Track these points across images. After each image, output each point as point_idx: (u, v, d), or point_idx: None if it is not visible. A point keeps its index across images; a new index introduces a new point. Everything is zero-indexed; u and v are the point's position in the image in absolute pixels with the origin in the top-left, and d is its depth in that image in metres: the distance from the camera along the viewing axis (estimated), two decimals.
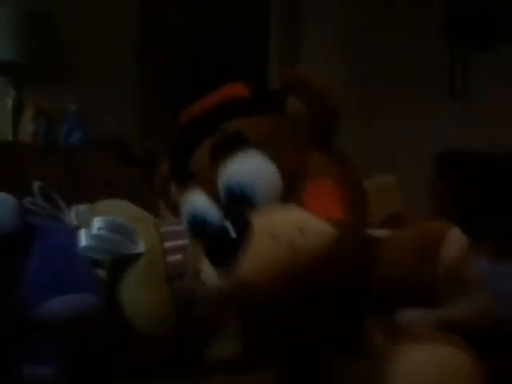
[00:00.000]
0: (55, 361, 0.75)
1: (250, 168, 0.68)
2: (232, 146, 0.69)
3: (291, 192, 0.68)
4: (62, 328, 0.73)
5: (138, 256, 0.83)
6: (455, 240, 0.71)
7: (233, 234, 0.66)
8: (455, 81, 3.14)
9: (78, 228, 0.84)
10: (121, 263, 0.83)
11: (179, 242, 0.83)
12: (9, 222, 0.76)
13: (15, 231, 0.76)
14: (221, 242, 0.66)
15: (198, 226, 0.71)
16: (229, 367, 0.84)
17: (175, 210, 0.79)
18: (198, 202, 0.71)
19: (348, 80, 2.94)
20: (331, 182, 0.69)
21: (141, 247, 0.83)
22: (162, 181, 0.83)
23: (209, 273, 0.68)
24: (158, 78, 3.54)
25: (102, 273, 0.84)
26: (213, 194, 0.69)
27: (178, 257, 0.83)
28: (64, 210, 0.88)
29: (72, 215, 0.91)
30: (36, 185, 0.86)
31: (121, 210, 0.88)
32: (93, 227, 0.81)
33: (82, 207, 0.92)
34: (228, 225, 0.67)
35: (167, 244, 0.83)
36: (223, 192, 0.69)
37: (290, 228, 0.66)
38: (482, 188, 2.48)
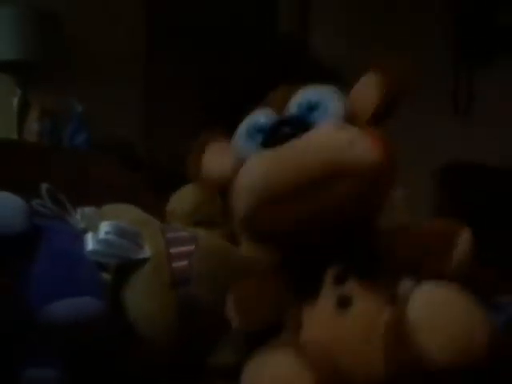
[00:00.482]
0: (58, 364, 0.75)
1: (325, 89, 0.76)
2: (311, 78, 0.77)
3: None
4: (65, 331, 0.73)
5: (143, 261, 0.83)
6: (467, 240, 0.74)
7: (296, 125, 0.72)
8: (459, 95, 3.15)
9: (84, 231, 0.85)
10: (126, 268, 0.83)
11: (185, 248, 0.84)
12: (18, 223, 0.76)
13: (23, 233, 0.76)
14: (281, 130, 0.72)
15: (259, 128, 0.76)
16: (231, 374, 0.84)
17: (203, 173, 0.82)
18: (263, 112, 0.77)
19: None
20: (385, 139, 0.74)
21: (147, 252, 0.83)
22: (198, 147, 0.85)
23: (260, 156, 0.72)
24: (164, 80, 3.54)
25: (107, 277, 0.85)
26: (281, 108, 0.76)
27: (183, 263, 0.83)
28: (71, 212, 0.88)
29: (78, 217, 0.91)
30: (44, 187, 0.87)
31: (127, 215, 0.88)
32: (100, 231, 0.81)
33: (88, 210, 0.92)
34: (292, 118, 0.74)
35: (173, 250, 0.83)
36: (295, 102, 0.75)
37: (353, 129, 0.72)
38: (485, 201, 2.48)
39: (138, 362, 0.82)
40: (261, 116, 0.77)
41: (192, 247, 0.84)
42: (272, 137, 0.73)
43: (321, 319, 0.74)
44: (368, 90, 0.76)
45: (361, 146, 0.70)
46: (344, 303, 0.72)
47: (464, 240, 0.74)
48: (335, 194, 0.69)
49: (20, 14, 2.67)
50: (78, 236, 0.83)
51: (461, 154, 2.74)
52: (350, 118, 0.74)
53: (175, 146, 3.75)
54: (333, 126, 0.72)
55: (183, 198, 0.93)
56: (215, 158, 0.82)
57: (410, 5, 3.16)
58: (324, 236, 0.73)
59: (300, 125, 0.73)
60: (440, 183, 2.58)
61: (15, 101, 2.67)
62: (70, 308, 0.73)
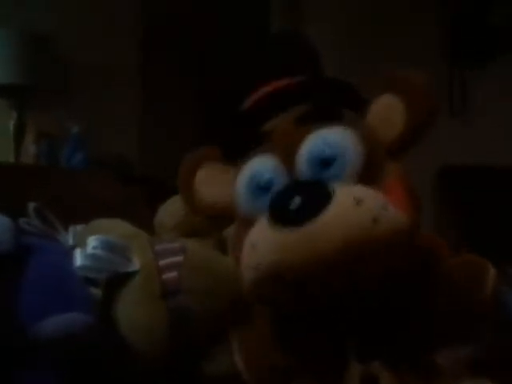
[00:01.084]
0: (52, 378, 0.75)
1: (338, 136, 0.66)
2: (323, 116, 0.68)
3: (368, 178, 0.66)
4: (55, 348, 0.73)
5: (133, 274, 0.83)
6: (494, 276, 0.70)
7: (309, 195, 0.63)
8: (455, 96, 3.15)
9: (73, 248, 0.85)
10: (116, 281, 0.83)
11: (174, 259, 0.84)
12: (4, 242, 0.77)
13: (10, 251, 0.76)
14: (291, 201, 0.63)
15: (264, 186, 0.67)
16: (224, 382, 0.84)
17: (195, 200, 0.76)
18: (267, 163, 0.68)
19: None
20: (404, 187, 0.67)
21: (136, 265, 0.83)
22: (189, 169, 0.79)
23: (268, 234, 0.63)
24: (160, 97, 3.55)
25: (97, 291, 0.85)
26: (287, 158, 0.67)
27: (172, 274, 0.83)
28: (59, 230, 0.88)
29: (69, 235, 0.91)
30: (31, 205, 0.87)
31: (115, 229, 0.89)
32: (87, 246, 0.82)
33: (79, 227, 0.93)
34: (303, 185, 0.64)
35: (162, 261, 0.84)
36: (306, 154, 0.66)
37: (375, 200, 0.63)
38: (483, 202, 2.48)
39: (131, 374, 0.82)
40: (265, 170, 0.68)
41: (181, 258, 0.84)
42: (281, 208, 0.64)
43: None
44: (391, 115, 0.68)
45: (386, 221, 0.62)
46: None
47: (492, 276, 0.69)
48: (361, 274, 0.63)
49: (14, 36, 2.68)
50: (67, 253, 0.83)
51: (457, 156, 2.73)
52: (370, 156, 0.66)
53: (172, 161, 3.76)
54: (352, 201, 0.62)
55: (171, 210, 0.93)
56: (210, 185, 0.77)
57: (404, 6, 3.17)
58: (344, 310, 0.66)
59: (313, 192, 0.64)
60: (437, 186, 2.58)
61: (11, 124, 2.68)
62: (59, 324, 0.74)
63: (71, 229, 0.92)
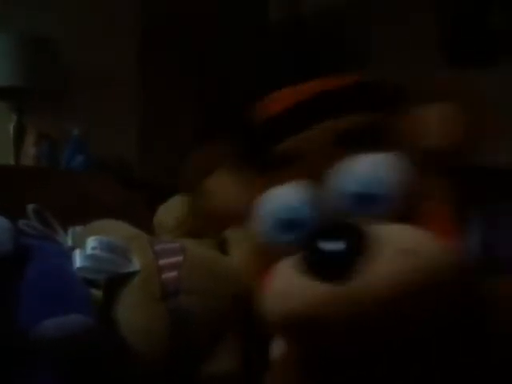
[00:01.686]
0: (52, 380, 0.75)
1: (385, 165, 0.58)
2: (368, 139, 0.59)
3: (410, 207, 0.59)
4: (55, 350, 0.73)
5: (132, 274, 0.83)
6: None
7: (349, 242, 0.54)
8: None
9: (72, 249, 0.85)
10: (116, 282, 0.83)
11: (173, 260, 0.84)
12: (3, 243, 0.76)
13: (9, 253, 0.76)
14: (328, 249, 0.55)
15: (292, 221, 0.59)
16: (228, 383, 0.84)
17: (203, 202, 0.70)
18: (297, 193, 0.59)
19: None
20: (448, 210, 0.61)
21: (135, 266, 0.83)
22: (199, 172, 0.72)
23: (301, 283, 0.56)
24: (160, 101, 3.55)
25: (97, 293, 0.85)
26: (321, 187, 0.58)
27: (172, 274, 0.83)
28: (59, 231, 0.88)
29: (69, 237, 0.91)
30: (30, 207, 0.87)
31: (115, 230, 0.88)
32: (87, 247, 0.81)
33: (79, 228, 0.93)
34: (342, 229, 0.56)
35: (161, 262, 0.83)
36: (345, 188, 0.58)
37: (421, 246, 0.56)
38: (483, 201, 2.47)
39: (131, 375, 0.82)
40: (294, 203, 0.59)
41: (181, 258, 0.84)
42: (317, 256, 0.55)
43: None
44: (443, 125, 0.61)
45: (435, 263, 0.55)
46: None
47: None
48: (406, 325, 0.56)
49: (13, 38, 2.68)
50: (66, 254, 0.83)
51: None
52: (414, 182, 0.59)
53: (172, 163, 3.76)
54: (398, 251, 0.54)
55: (171, 210, 0.93)
56: (221, 189, 0.70)
57: (403, 6, 3.17)
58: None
59: (353, 239, 0.55)
60: None
61: (11, 126, 2.68)
62: (59, 326, 0.73)
63: (70, 230, 0.92)
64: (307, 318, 0.56)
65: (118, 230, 0.89)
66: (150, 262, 0.83)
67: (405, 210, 0.58)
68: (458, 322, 0.60)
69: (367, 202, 0.57)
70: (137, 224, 0.93)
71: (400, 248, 0.55)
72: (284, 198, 0.60)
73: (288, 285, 0.57)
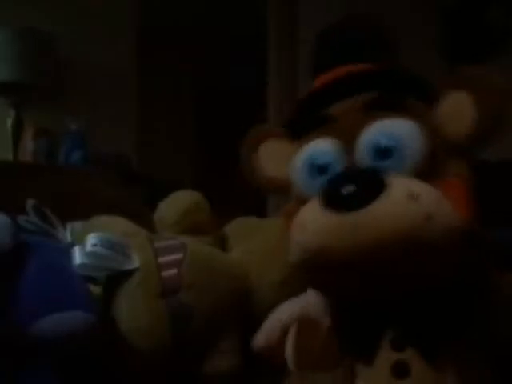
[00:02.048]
0: (51, 377, 0.75)
1: (400, 127, 0.65)
2: (391, 106, 0.66)
3: (428, 173, 0.64)
4: (55, 346, 0.72)
5: (132, 272, 0.82)
6: None
7: (363, 183, 0.61)
8: None
9: (72, 245, 0.84)
10: (116, 279, 0.83)
11: (173, 257, 0.83)
12: (3, 240, 0.76)
13: (8, 250, 0.75)
14: (344, 187, 0.61)
15: (321, 168, 0.67)
16: (226, 380, 0.83)
17: (255, 173, 0.76)
18: (328, 146, 0.67)
19: None
20: (465, 186, 0.65)
21: (135, 263, 0.83)
22: (253, 142, 0.78)
23: (318, 216, 0.62)
24: (158, 98, 3.55)
25: (97, 289, 0.84)
26: (348, 143, 0.66)
27: (172, 271, 0.82)
28: (58, 227, 0.88)
29: (67, 232, 0.91)
30: (30, 203, 0.87)
31: (114, 226, 0.88)
32: (87, 244, 0.81)
33: (77, 224, 0.92)
34: (359, 172, 0.63)
35: (161, 259, 0.83)
36: (366, 142, 0.65)
37: (431, 197, 0.61)
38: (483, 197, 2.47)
39: (132, 372, 0.82)
40: (324, 153, 0.67)
41: (181, 255, 0.83)
42: (333, 193, 0.62)
43: (377, 381, 0.65)
44: (461, 111, 0.66)
45: (440, 219, 0.61)
46: (401, 372, 0.64)
47: None
48: (406, 269, 0.61)
49: (12, 34, 2.67)
50: (66, 250, 0.83)
51: None
52: (432, 151, 0.64)
53: (170, 159, 3.75)
54: (406, 194, 0.60)
55: (171, 206, 0.93)
56: (271, 160, 0.75)
57: (400, 3, 3.17)
58: (386, 299, 0.65)
59: (367, 180, 0.62)
60: None
61: (9, 121, 2.67)
62: (59, 323, 0.73)
63: (69, 226, 0.92)
64: (317, 246, 0.62)
65: (117, 227, 0.88)
66: (149, 259, 0.83)
67: (422, 173, 0.64)
68: (456, 287, 0.65)
69: (387, 154, 0.64)
70: (136, 220, 0.93)
71: (408, 193, 0.60)
72: (316, 147, 0.69)
73: (306, 218, 0.64)
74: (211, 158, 4.02)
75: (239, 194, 3.39)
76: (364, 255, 0.60)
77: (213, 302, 0.82)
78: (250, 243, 0.91)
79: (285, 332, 0.74)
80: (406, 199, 0.60)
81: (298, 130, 0.72)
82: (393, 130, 0.65)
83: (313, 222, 0.63)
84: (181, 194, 0.95)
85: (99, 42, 2.99)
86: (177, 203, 0.93)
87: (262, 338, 0.77)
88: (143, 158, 3.11)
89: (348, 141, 0.66)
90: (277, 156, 0.75)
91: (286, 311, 0.78)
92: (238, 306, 0.85)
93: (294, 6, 3.17)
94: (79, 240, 0.84)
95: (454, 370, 0.64)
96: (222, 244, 0.92)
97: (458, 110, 0.67)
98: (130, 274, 0.82)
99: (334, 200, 0.62)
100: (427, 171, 0.64)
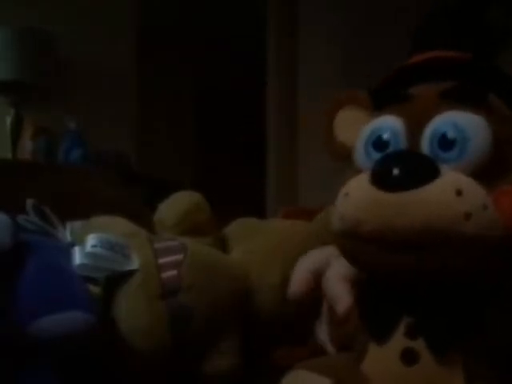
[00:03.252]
0: (50, 379, 0.75)
1: (469, 120, 0.64)
2: (467, 97, 0.65)
3: (487, 173, 0.63)
4: (54, 347, 0.72)
5: (132, 272, 0.82)
6: None
7: (414, 168, 0.62)
8: None
9: (71, 245, 0.84)
10: (115, 280, 0.83)
11: (173, 258, 0.83)
12: (2, 240, 0.76)
13: (7, 249, 0.75)
14: (395, 167, 0.62)
15: (381, 144, 0.67)
16: (226, 381, 0.83)
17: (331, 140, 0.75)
18: (394, 124, 0.67)
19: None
20: None
21: (135, 263, 0.82)
22: (332, 109, 0.77)
23: (362, 190, 0.63)
24: (158, 97, 3.55)
25: (96, 290, 0.84)
26: (415, 126, 0.65)
27: (172, 272, 0.82)
28: (58, 227, 0.87)
29: (67, 232, 0.91)
30: (29, 202, 0.86)
31: (114, 226, 0.88)
32: (86, 245, 0.81)
33: (76, 224, 0.92)
34: (414, 157, 0.63)
35: (161, 260, 0.83)
36: (432, 129, 0.64)
37: (477, 197, 0.61)
38: None
39: (132, 373, 0.82)
40: (388, 130, 0.67)
41: (181, 256, 0.83)
42: (382, 171, 0.63)
43: (385, 363, 0.66)
44: None
45: (479, 221, 0.60)
46: (409, 359, 0.64)
47: None
48: (433, 258, 0.61)
49: (12, 34, 2.67)
50: (65, 250, 0.83)
51: None
52: (496, 151, 0.63)
53: (170, 159, 3.76)
54: (454, 188, 0.60)
55: (171, 207, 0.93)
56: (346, 127, 0.75)
57: (401, 3, 3.17)
58: (411, 284, 0.65)
59: (419, 166, 0.62)
60: None
61: (8, 120, 2.67)
62: (59, 323, 0.73)
63: (68, 225, 0.92)
64: (355, 217, 0.63)
65: (117, 227, 0.88)
66: (149, 260, 0.83)
67: (480, 173, 0.63)
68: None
69: (448, 146, 0.63)
70: (136, 220, 0.92)
71: (455, 187, 0.61)
72: (384, 122, 0.68)
73: (352, 188, 0.65)
74: (211, 158, 4.02)
75: (239, 195, 3.39)
76: (397, 235, 0.61)
77: (213, 302, 0.82)
78: (250, 244, 0.91)
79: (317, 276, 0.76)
80: (452, 192, 0.60)
81: (379, 101, 0.71)
82: (460, 122, 0.64)
83: (356, 194, 0.64)
84: (181, 194, 0.94)
85: (99, 42, 2.99)
86: (177, 204, 0.93)
87: (294, 286, 0.79)
88: (143, 157, 3.11)
89: (417, 124, 0.66)
90: (352, 124, 0.74)
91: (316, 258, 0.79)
92: (238, 307, 0.85)
93: (293, 6, 3.16)
94: (79, 240, 0.84)
95: (462, 370, 0.64)
96: (223, 245, 0.92)
97: None
98: (129, 274, 0.82)
99: (381, 177, 0.63)
100: (485, 173, 0.63)
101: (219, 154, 4.04)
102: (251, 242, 0.91)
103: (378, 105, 0.71)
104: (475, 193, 0.62)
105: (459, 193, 0.61)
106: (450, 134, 0.63)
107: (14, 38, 2.62)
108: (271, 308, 0.87)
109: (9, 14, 2.78)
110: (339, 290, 0.76)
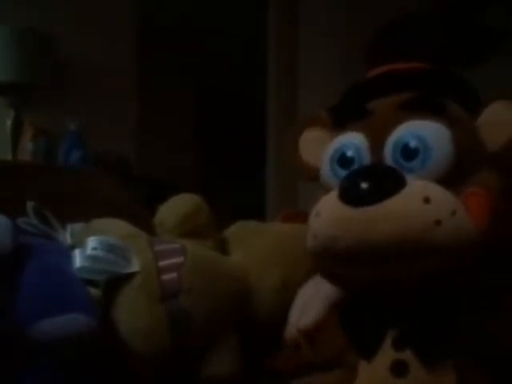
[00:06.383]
0: (50, 381, 0.75)
1: (430, 130, 0.65)
2: (426, 107, 0.66)
3: (451, 180, 0.64)
4: (55, 349, 0.72)
5: (132, 275, 0.82)
6: None
7: (380, 180, 0.63)
8: None
9: (72, 247, 0.84)
10: (116, 283, 0.83)
11: (173, 260, 0.83)
12: (2, 242, 0.76)
13: (8, 252, 0.75)
14: (361, 182, 0.63)
15: (346, 161, 0.68)
16: (226, 383, 0.83)
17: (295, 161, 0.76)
18: (356, 140, 0.68)
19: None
20: (489, 199, 0.65)
21: (135, 266, 0.83)
22: (295, 132, 0.78)
23: (332, 207, 0.64)
24: (158, 98, 3.55)
25: (97, 292, 0.84)
26: (377, 140, 0.67)
27: (172, 275, 0.82)
28: (58, 229, 0.87)
29: (67, 234, 0.91)
30: (30, 205, 0.86)
31: (114, 229, 0.88)
32: (87, 247, 0.81)
33: (77, 226, 0.92)
34: (378, 170, 0.65)
35: (161, 262, 0.83)
36: (394, 141, 0.65)
37: (445, 203, 0.62)
38: None
39: (131, 375, 0.82)
40: (351, 147, 0.68)
41: (181, 259, 0.83)
42: (349, 187, 0.64)
43: (376, 378, 0.67)
44: (499, 123, 0.66)
45: (449, 226, 0.61)
46: (399, 371, 0.65)
47: None
48: (409, 268, 0.62)
49: (12, 34, 2.67)
50: (66, 252, 0.83)
51: None
52: (459, 158, 0.64)
53: (169, 160, 3.75)
54: (421, 196, 0.62)
55: (171, 210, 0.93)
56: (309, 148, 0.76)
57: (401, 3, 3.16)
58: (391, 296, 0.66)
59: (385, 178, 0.64)
60: None
61: (8, 121, 2.67)
62: (59, 325, 0.73)
63: (69, 227, 0.92)
64: (327, 234, 0.64)
65: (117, 229, 0.88)
66: (149, 262, 0.83)
67: (446, 179, 0.64)
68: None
69: (412, 155, 0.64)
70: (136, 221, 0.92)
71: (423, 195, 0.62)
72: (347, 139, 0.69)
73: (322, 206, 0.66)
74: (211, 158, 4.01)
75: (238, 196, 3.39)
76: (371, 249, 0.62)
77: (212, 305, 0.82)
78: (250, 247, 0.91)
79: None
80: (420, 201, 0.61)
81: (340, 119, 0.73)
82: (421, 131, 0.65)
83: (327, 211, 0.65)
84: (181, 197, 0.94)
85: (99, 42, 2.98)
86: (177, 206, 0.93)
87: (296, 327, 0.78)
88: (143, 158, 3.11)
89: (379, 138, 0.67)
90: (315, 144, 0.75)
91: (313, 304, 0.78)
92: (237, 310, 0.85)
93: (294, 5, 3.16)
94: (79, 243, 0.84)
95: (453, 376, 0.64)
96: (222, 247, 0.92)
97: (500, 118, 0.67)
98: (130, 277, 0.82)
99: (349, 193, 0.63)
100: (451, 178, 0.64)
101: (219, 155, 4.04)
102: (251, 244, 0.92)
103: (340, 122, 0.72)
104: (443, 199, 0.62)
105: (427, 200, 0.61)
106: (412, 144, 0.64)
107: (13, 39, 2.62)
108: (270, 310, 0.87)
109: (9, 14, 2.78)
110: (312, 307, 0.76)
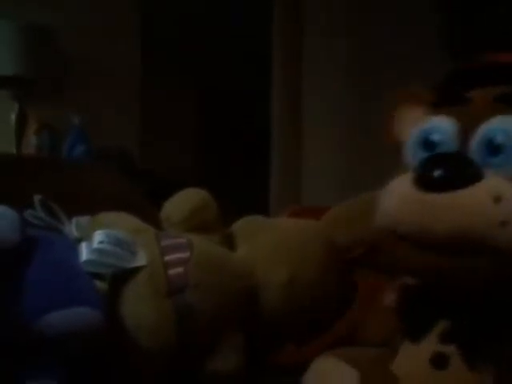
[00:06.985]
0: (56, 375, 0.75)
1: None
2: None
3: None
4: (61, 342, 0.72)
5: (138, 269, 0.82)
6: None
7: (455, 171, 0.62)
8: None
9: (78, 241, 0.84)
10: (122, 276, 0.83)
11: (180, 255, 0.83)
12: (9, 236, 0.76)
13: (15, 244, 0.75)
14: (436, 169, 0.63)
15: (431, 144, 0.68)
16: (231, 380, 0.83)
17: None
18: (446, 125, 0.67)
19: (348, 95, 2.94)
20: None
21: (142, 260, 0.82)
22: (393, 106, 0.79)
23: (402, 188, 0.65)
24: (160, 93, 3.54)
25: (103, 286, 0.84)
26: (467, 129, 0.66)
27: (179, 270, 0.82)
28: (65, 222, 0.87)
29: (72, 227, 0.90)
30: (37, 198, 0.86)
31: (121, 223, 0.88)
32: (93, 241, 0.81)
33: (82, 219, 0.92)
34: (457, 160, 0.64)
35: (168, 257, 0.83)
36: (482, 133, 0.64)
37: (497, 212, 0.61)
38: None
39: (135, 370, 0.82)
40: (440, 130, 0.68)
41: (187, 254, 0.83)
42: (424, 171, 0.64)
43: (415, 364, 0.67)
44: None
45: None
46: (439, 363, 0.65)
47: None
48: (467, 264, 0.62)
49: (15, 28, 2.67)
50: (72, 246, 0.82)
51: None
52: None
53: (172, 155, 3.75)
54: (493, 194, 0.60)
55: (178, 204, 0.92)
56: (404, 123, 0.76)
57: (398, 5, 3.16)
58: (448, 288, 0.66)
59: (461, 170, 0.63)
60: None
61: (13, 115, 2.67)
62: (66, 319, 0.73)
63: (74, 221, 0.92)
64: (395, 215, 0.65)
65: (124, 223, 0.88)
66: (156, 257, 0.83)
67: None
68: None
69: (497, 151, 0.63)
70: (140, 215, 0.92)
71: (495, 194, 0.60)
72: (437, 123, 0.69)
73: (395, 186, 0.67)
74: (213, 156, 4.01)
75: (242, 194, 3.39)
76: (430, 236, 0.62)
77: (219, 300, 0.82)
78: (256, 242, 0.91)
79: None
80: (489, 199, 0.60)
81: (438, 101, 0.72)
82: (509, 127, 0.64)
83: (398, 192, 0.65)
84: (187, 192, 0.94)
85: (102, 37, 2.98)
86: (184, 201, 0.92)
87: None
88: (145, 155, 3.11)
89: (470, 126, 0.66)
90: (410, 120, 0.75)
91: None
92: (244, 305, 0.85)
93: (298, 5, 3.16)
94: (86, 236, 0.84)
95: (492, 379, 0.64)
96: (229, 243, 0.92)
97: None
98: (136, 271, 0.82)
99: (422, 178, 0.63)
100: None
101: (222, 152, 4.04)
102: (257, 239, 0.91)
103: (436, 104, 0.72)
104: None
105: (498, 199, 0.60)
106: (499, 139, 0.63)
107: (17, 33, 2.62)
108: (277, 306, 0.86)
109: (12, 9, 2.78)
110: None
